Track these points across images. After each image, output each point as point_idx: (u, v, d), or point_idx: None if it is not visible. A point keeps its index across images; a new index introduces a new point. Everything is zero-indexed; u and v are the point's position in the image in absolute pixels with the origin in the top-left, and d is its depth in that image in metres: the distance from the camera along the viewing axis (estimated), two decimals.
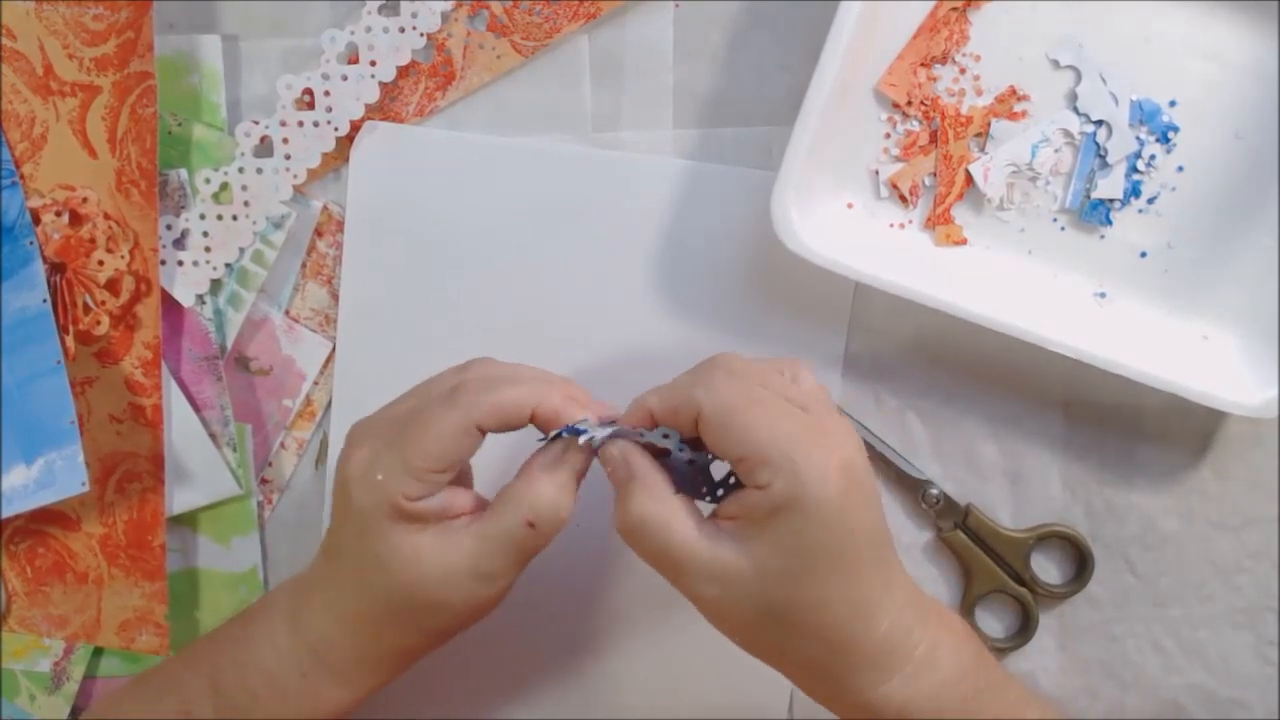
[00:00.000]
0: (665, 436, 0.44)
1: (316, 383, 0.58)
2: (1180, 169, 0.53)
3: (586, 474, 0.46)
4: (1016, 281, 0.54)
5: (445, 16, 0.55)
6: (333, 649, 0.46)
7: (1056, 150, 0.53)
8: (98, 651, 0.58)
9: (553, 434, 0.45)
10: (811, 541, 0.41)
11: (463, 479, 0.48)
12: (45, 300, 0.54)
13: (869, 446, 0.56)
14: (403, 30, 0.54)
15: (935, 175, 0.54)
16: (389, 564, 0.44)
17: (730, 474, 0.45)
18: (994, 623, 0.58)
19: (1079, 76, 0.53)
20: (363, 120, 0.56)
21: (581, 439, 0.44)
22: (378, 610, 0.45)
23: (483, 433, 0.44)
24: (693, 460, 0.45)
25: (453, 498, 0.45)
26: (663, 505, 0.43)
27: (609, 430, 0.45)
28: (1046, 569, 0.57)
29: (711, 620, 0.44)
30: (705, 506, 0.45)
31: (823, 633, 0.42)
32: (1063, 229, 0.54)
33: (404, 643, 0.46)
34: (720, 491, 0.46)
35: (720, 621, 0.44)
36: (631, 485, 0.44)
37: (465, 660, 0.58)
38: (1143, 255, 0.54)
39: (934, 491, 0.56)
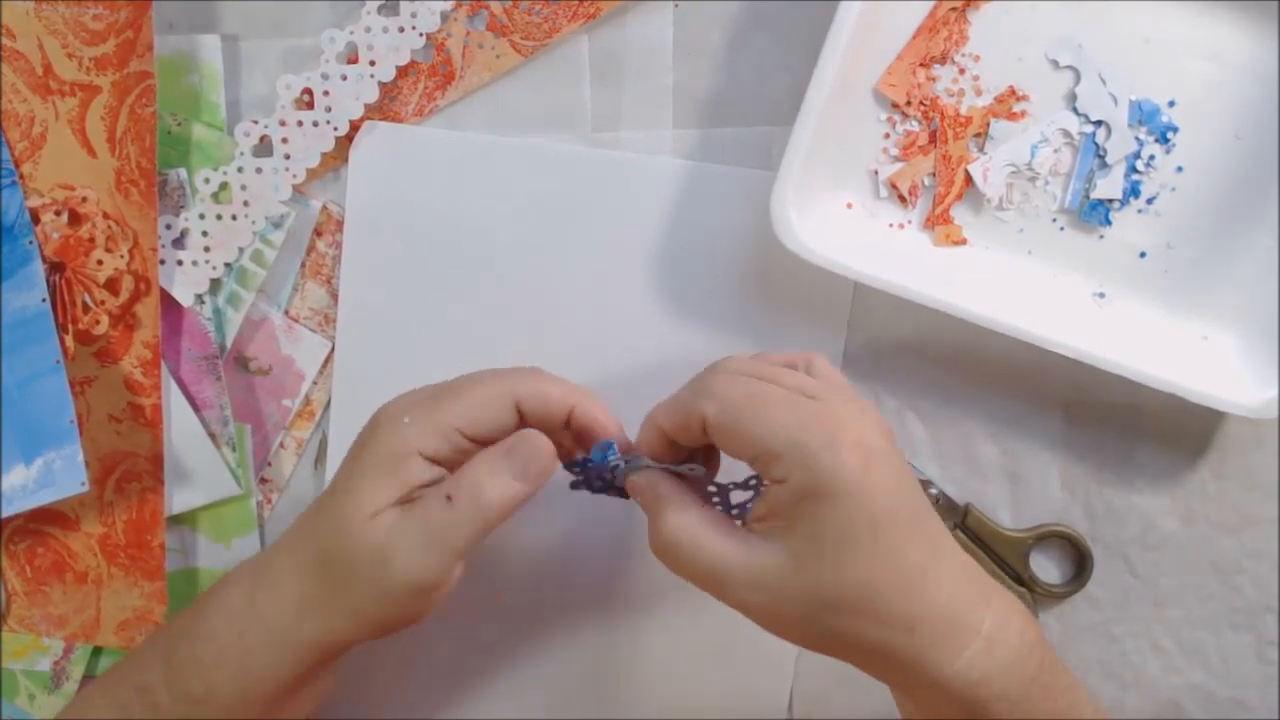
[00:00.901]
0: (691, 469, 0.45)
1: (316, 382, 0.58)
2: (1179, 169, 0.53)
3: (542, 483, 0.45)
4: (1016, 282, 0.54)
5: (445, 16, 0.55)
6: (277, 604, 0.45)
7: (1056, 150, 0.53)
8: (97, 651, 0.58)
9: (581, 458, 0.46)
10: (843, 523, 0.40)
11: None
12: (44, 300, 0.54)
13: None
14: (402, 30, 0.54)
15: (934, 175, 0.54)
16: (349, 516, 0.43)
17: (751, 486, 0.45)
18: None
19: (1078, 77, 0.53)
20: (362, 120, 0.56)
21: (611, 463, 0.45)
22: (318, 566, 0.44)
23: (520, 414, 0.44)
24: (716, 488, 0.45)
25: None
26: (693, 522, 0.43)
27: (642, 462, 0.45)
28: (1046, 569, 0.57)
29: (766, 627, 0.43)
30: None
31: (879, 613, 0.41)
32: (1062, 229, 0.54)
33: (333, 612, 0.44)
34: (748, 507, 0.46)
35: (774, 625, 0.43)
36: (659, 506, 0.44)
37: (463, 657, 0.58)
38: (1142, 255, 0.54)
39: (933, 491, 0.56)
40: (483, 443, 0.44)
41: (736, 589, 0.42)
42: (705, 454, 0.47)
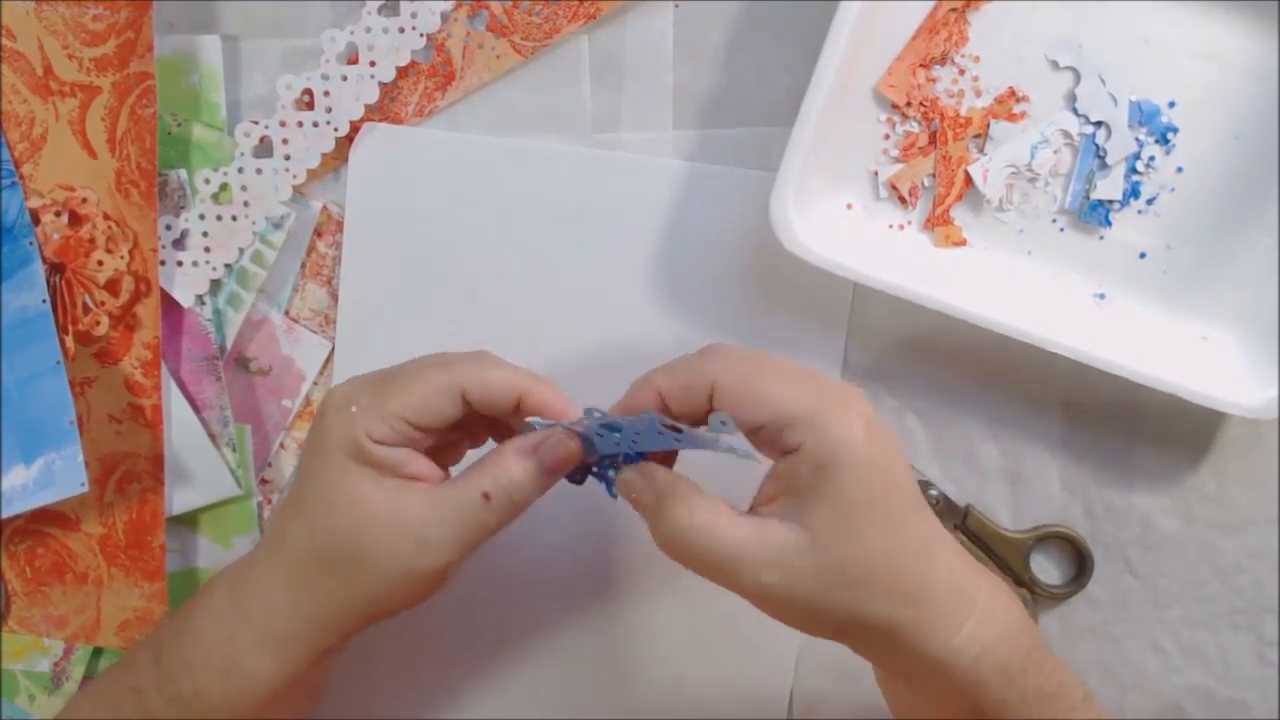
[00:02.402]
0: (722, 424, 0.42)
1: (316, 383, 0.58)
2: (1179, 170, 0.53)
3: (559, 477, 0.45)
4: (1016, 282, 0.54)
5: (445, 17, 0.55)
6: (258, 607, 0.45)
7: (1056, 151, 0.53)
8: (97, 652, 0.58)
9: (531, 419, 0.44)
10: (860, 492, 0.40)
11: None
12: (45, 300, 0.54)
13: None
14: (402, 30, 0.54)
15: (934, 176, 0.54)
16: (334, 501, 0.43)
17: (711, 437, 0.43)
18: None
19: (1078, 77, 0.53)
20: (362, 120, 0.56)
21: (594, 431, 0.44)
22: (314, 557, 0.44)
23: (466, 403, 0.44)
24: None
25: (414, 459, 0.44)
26: (700, 511, 0.42)
27: (603, 420, 0.44)
28: (1046, 569, 0.57)
29: (776, 610, 0.42)
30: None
31: (891, 584, 0.41)
32: (1062, 230, 0.54)
33: (329, 606, 0.44)
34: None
35: (785, 607, 0.42)
36: (663, 500, 0.43)
37: (463, 653, 0.58)
38: (1142, 256, 0.54)
39: (933, 492, 0.56)
40: (429, 430, 0.44)
41: (750, 570, 0.41)
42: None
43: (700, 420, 0.43)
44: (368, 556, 0.43)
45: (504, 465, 0.44)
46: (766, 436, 0.42)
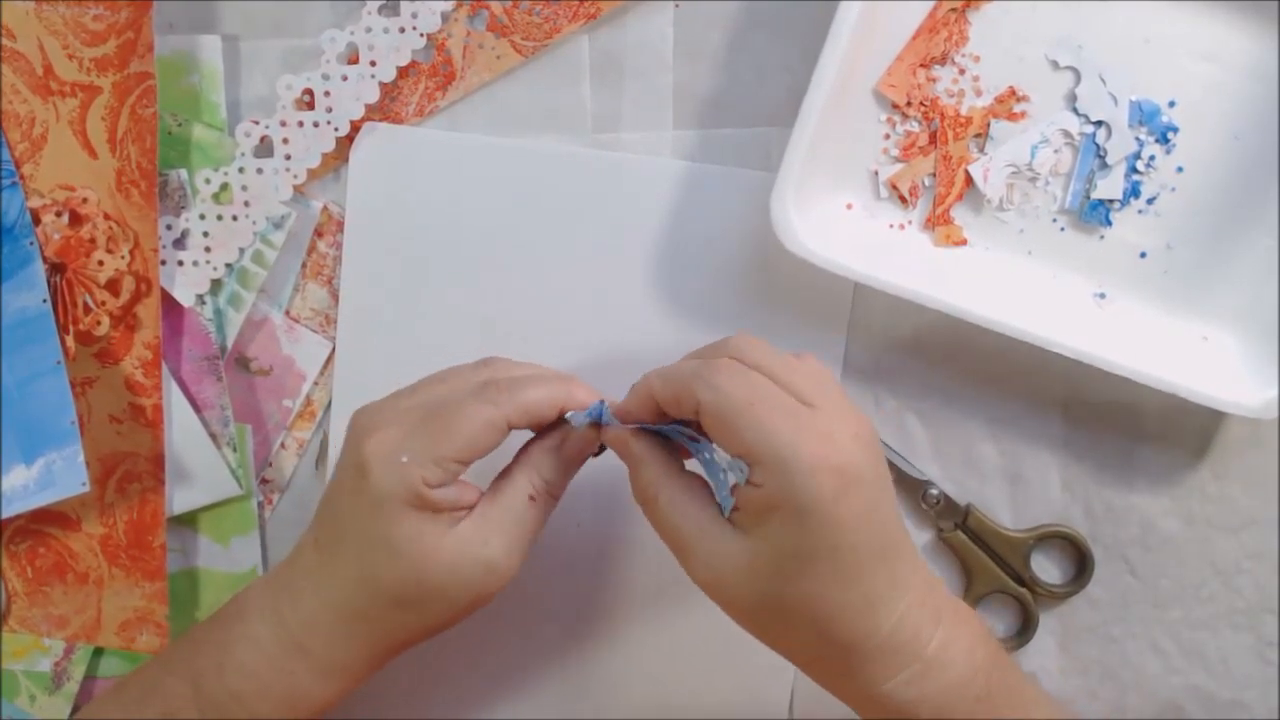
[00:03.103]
0: (690, 437, 0.45)
1: (317, 383, 0.58)
2: (1180, 170, 0.53)
3: (582, 465, 0.47)
4: (1016, 282, 0.54)
5: (445, 17, 0.55)
6: (319, 642, 0.46)
7: (1056, 151, 0.53)
8: (98, 652, 0.58)
9: (569, 415, 0.46)
10: (804, 543, 0.40)
11: None
12: (45, 300, 0.54)
13: None
14: (403, 30, 0.54)
15: (935, 176, 0.54)
16: (401, 549, 0.44)
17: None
18: (994, 623, 0.58)
19: (1078, 77, 0.53)
20: (363, 120, 0.56)
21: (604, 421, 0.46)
22: (376, 600, 0.45)
23: (509, 428, 0.45)
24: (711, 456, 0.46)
25: (464, 491, 0.45)
26: (671, 483, 0.44)
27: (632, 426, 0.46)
28: (1046, 569, 0.57)
29: (714, 600, 0.44)
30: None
31: (818, 628, 0.42)
32: (1062, 229, 0.54)
33: (397, 635, 0.46)
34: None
35: (721, 604, 0.44)
36: (640, 463, 0.45)
37: (463, 656, 0.58)
38: (1142, 256, 0.54)
39: (934, 492, 0.56)
40: (469, 464, 0.45)
41: (694, 559, 0.43)
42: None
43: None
44: (437, 594, 0.45)
45: (539, 466, 0.46)
46: (746, 462, 0.42)
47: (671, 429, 0.45)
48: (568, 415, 0.46)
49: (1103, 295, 0.54)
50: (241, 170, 0.56)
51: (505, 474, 0.47)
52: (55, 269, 0.55)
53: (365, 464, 0.44)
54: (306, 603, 0.46)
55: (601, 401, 0.46)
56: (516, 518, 0.45)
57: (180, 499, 0.57)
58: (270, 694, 0.46)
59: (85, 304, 0.55)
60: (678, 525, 0.43)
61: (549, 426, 0.47)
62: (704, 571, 0.43)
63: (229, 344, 0.57)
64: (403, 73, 0.55)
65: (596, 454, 0.48)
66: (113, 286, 0.55)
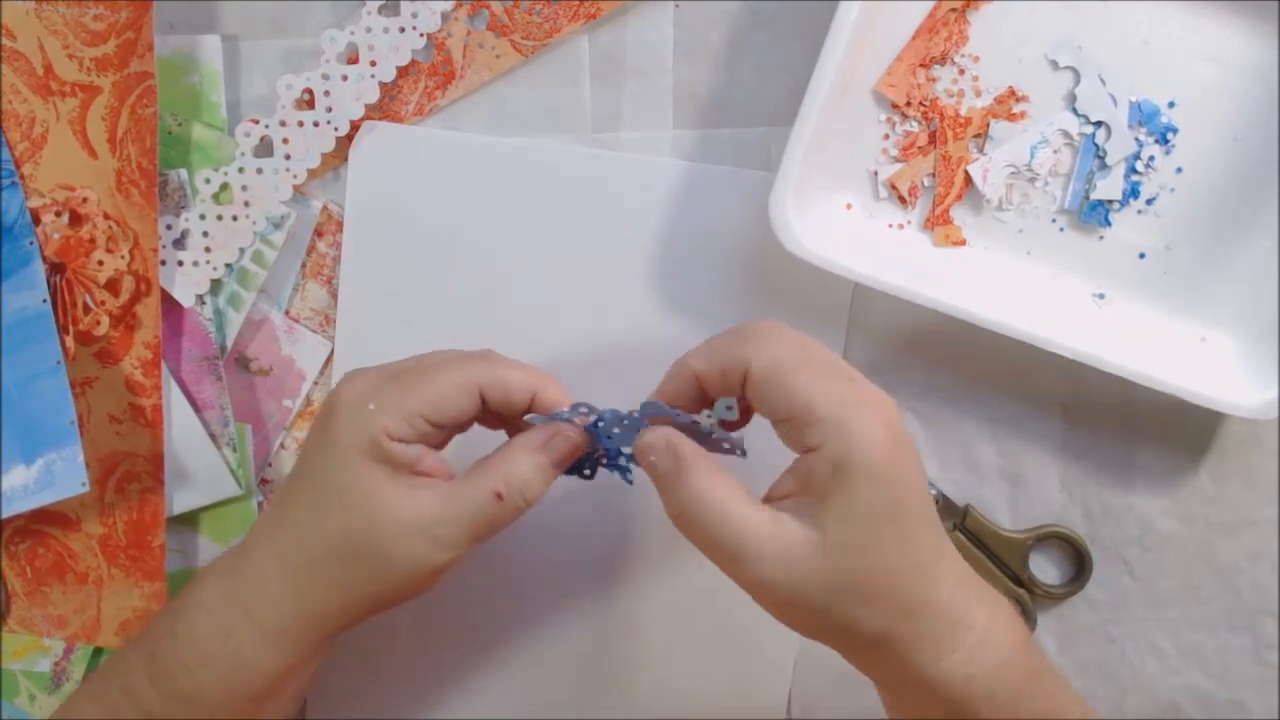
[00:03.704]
0: (695, 422, 0.44)
1: (316, 383, 0.58)
2: (1179, 170, 0.53)
3: (564, 468, 0.46)
4: (1015, 282, 0.54)
5: (445, 16, 0.55)
6: (261, 603, 0.45)
7: (1055, 151, 0.53)
8: (98, 652, 0.58)
9: (556, 415, 0.45)
10: (876, 503, 0.40)
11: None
12: (45, 300, 0.54)
13: None
14: (402, 30, 0.54)
15: (934, 176, 0.54)
16: (349, 496, 0.44)
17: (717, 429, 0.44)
18: None
19: (1078, 77, 0.53)
20: (362, 120, 0.56)
21: (586, 419, 0.44)
22: (322, 551, 0.44)
23: (483, 401, 0.44)
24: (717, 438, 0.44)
25: (427, 455, 0.45)
26: (717, 488, 0.42)
27: (625, 417, 0.44)
28: (1045, 570, 0.57)
29: (771, 606, 0.42)
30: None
31: (891, 598, 0.41)
32: (1061, 230, 0.54)
33: (340, 598, 0.45)
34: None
35: (784, 606, 0.42)
36: (681, 469, 0.42)
37: (461, 653, 0.59)
38: (1141, 256, 0.54)
39: (933, 492, 0.56)
40: (444, 426, 0.45)
41: (758, 564, 0.41)
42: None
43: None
44: (379, 551, 0.44)
45: (515, 463, 0.45)
46: (791, 430, 0.42)
47: (696, 416, 0.44)
48: (528, 416, 0.45)
49: (1102, 296, 0.54)
50: (241, 170, 0.56)
51: (480, 463, 0.46)
52: (55, 269, 0.55)
53: (333, 408, 0.45)
54: (253, 561, 0.46)
55: (583, 407, 0.44)
56: (478, 509, 0.44)
57: (180, 499, 0.57)
58: (213, 661, 0.45)
59: (85, 304, 0.55)
60: (736, 527, 0.41)
61: (538, 428, 0.46)
62: (769, 570, 0.41)
63: (229, 344, 0.57)
64: (402, 72, 0.55)
65: (589, 476, 0.47)
66: (112, 286, 0.55)
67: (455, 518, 0.44)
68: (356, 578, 0.45)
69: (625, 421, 0.45)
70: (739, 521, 0.41)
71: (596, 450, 0.47)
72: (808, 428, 0.41)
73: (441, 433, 0.45)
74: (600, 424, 0.45)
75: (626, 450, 0.46)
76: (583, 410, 0.45)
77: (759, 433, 0.45)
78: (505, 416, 0.48)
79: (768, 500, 0.43)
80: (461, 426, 0.46)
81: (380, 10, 0.54)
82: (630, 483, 0.47)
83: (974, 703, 0.42)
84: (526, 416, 0.45)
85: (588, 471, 0.48)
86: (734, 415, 0.44)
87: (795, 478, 0.42)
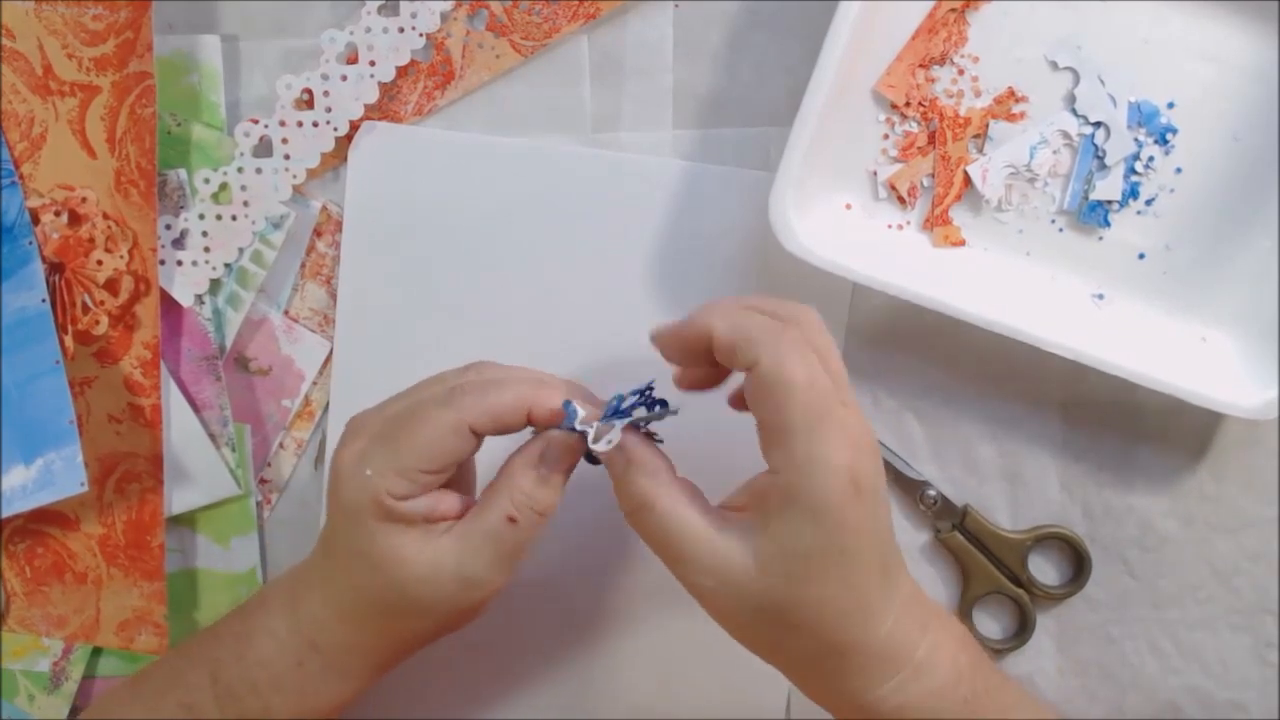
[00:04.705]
0: (665, 411, 0.44)
1: (315, 383, 0.58)
2: (1179, 171, 0.53)
3: (574, 469, 0.46)
4: (1015, 283, 0.54)
5: (444, 16, 0.55)
6: (330, 640, 0.46)
7: (1055, 151, 0.53)
8: (97, 651, 0.58)
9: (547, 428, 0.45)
10: (816, 543, 0.40)
11: (463, 484, 0.48)
12: (44, 300, 0.54)
13: None
14: (402, 30, 0.54)
15: (933, 176, 0.54)
16: (375, 562, 0.44)
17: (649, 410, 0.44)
18: (992, 624, 0.58)
19: (1077, 78, 0.53)
20: (362, 120, 0.56)
21: (578, 425, 0.44)
22: (370, 606, 0.45)
23: (476, 436, 0.44)
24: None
25: (439, 501, 0.45)
26: (666, 490, 0.43)
27: (609, 417, 0.44)
28: (1044, 570, 0.57)
29: (707, 611, 0.43)
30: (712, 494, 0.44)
31: (820, 633, 0.42)
32: (1061, 230, 0.54)
33: (399, 637, 0.47)
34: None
35: (716, 614, 0.43)
36: (630, 468, 0.43)
37: (460, 659, 0.58)
38: (1141, 257, 0.54)
39: (932, 493, 0.56)
40: (443, 471, 0.44)
41: (692, 568, 0.42)
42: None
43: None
44: (415, 604, 0.45)
45: (517, 483, 0.45)
46: (766, 437, 0.42)
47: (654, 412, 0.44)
48: (552, 433, 0.45)
49: (1101, 296, 0.54)
50: (240, 170, 0.56)
51: (489, 489, 0.45)
52: (54, 269, 0.55)
53: (336, 474, 0.45)
54: (315, 601, 0.47)
55: (569, 402, 0.44)
56: (495, 537, 0.44)
57: (179, 499, 0.57)
58: (283, 686, 0.46)
59: (84, 304, 0.55)
60: (678, 531, 0.42)
61: (533, 440, 0.45)
62: (705, 578, 0.42)
63: (228, 344, 0.57)
64: (402, 72, 0.55)
65: (596, 462, 0.46)
66: (111, 286, 0.55)
67: (477, 553, 0.44)
68: (404, 626, 0.46)
69: (632, 395, 0.45)
70: (681, 526, 0.42)
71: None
72: (773, 449, 0.41)
73: (446, 474, 0.45)
74: (618, 403, 0.45)
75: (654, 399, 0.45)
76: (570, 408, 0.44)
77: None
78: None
79: (724, 507, 0.44)
80: (466, 459, 0.46)
81: (380, 10, 0.54)
82: (675, 412, 0.45)
83: None
84: (551, 431, 0.45)
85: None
86: (672, 411, 0.44)
87: (750, 494, 0.43)
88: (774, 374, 0.41)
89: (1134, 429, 0.56)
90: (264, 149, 0.56)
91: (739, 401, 0.47)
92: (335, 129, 0.55)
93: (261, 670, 0.47)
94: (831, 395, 0.41)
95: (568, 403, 0.44)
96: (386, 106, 0.56)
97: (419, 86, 0.56)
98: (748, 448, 0.43)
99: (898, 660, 0.42)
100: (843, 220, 0.54)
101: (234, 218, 0.56)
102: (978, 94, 0.53)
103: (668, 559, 0.43)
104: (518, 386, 0.44)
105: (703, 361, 0.44)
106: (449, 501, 0.45)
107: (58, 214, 0.54)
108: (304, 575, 0.48)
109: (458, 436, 0.43)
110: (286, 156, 0.56)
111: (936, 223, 0.54)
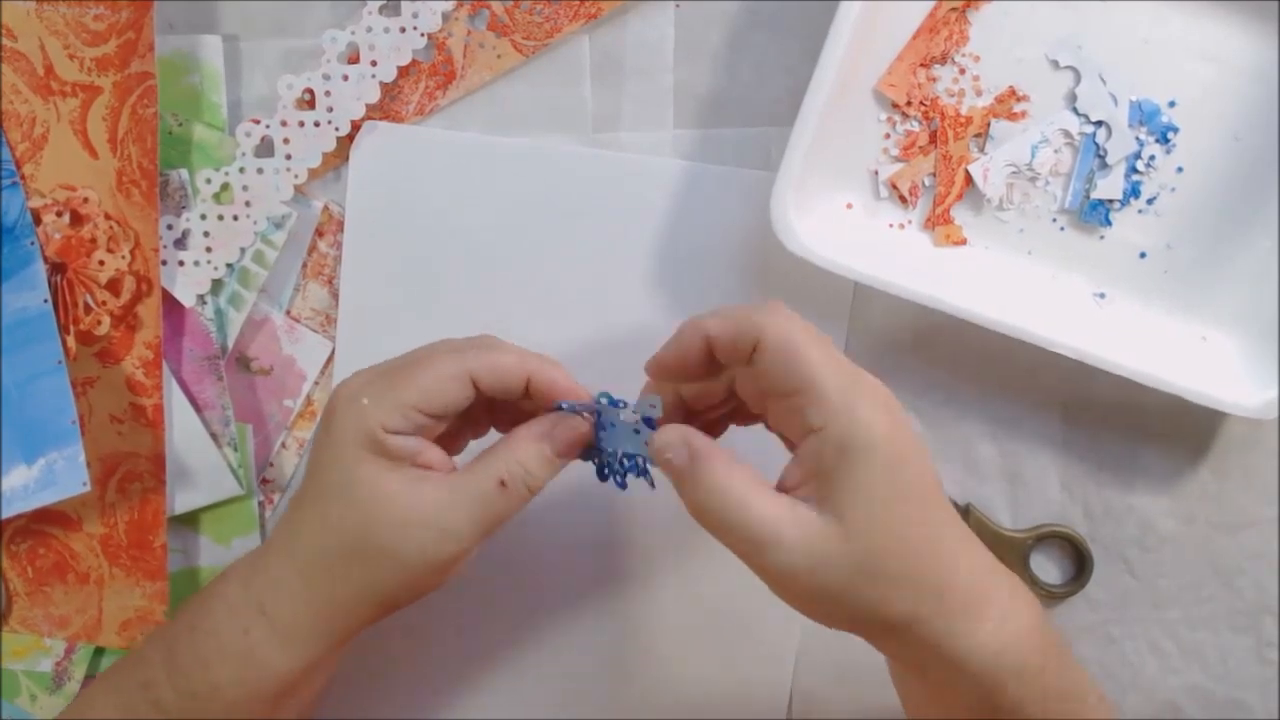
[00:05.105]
0: (652, 406, 0.44)
1: (317, 383, 0.58)
2: (1180, 170, 0.53)
3: (571, 458, 0.46)
4: (1016, 282, 0.54)
5: (446, 16, 0.55)
6: (277, 600, 0.45)
7: (1056, 151, 0.53)
8: (99, 651, 0.58)
9: (559, 404, 0.45)
10: (885, 483, 0.40)
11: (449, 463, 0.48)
12: (46, 300, 0.54)
13: None
14: (403, 30, 0.54)
15: (935, 175, 0.54)
16: (352, 492, 0.44)
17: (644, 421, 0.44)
18: None
19: (1078, 77, 0.53)
20: (363, 120, 0.56)
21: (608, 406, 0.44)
22: (336, 551, 0.44)
23: (477, 389, 0.44)
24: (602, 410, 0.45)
25: (427, 449, 0.45)
26: (735, 478, 0.41)
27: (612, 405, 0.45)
28: (1045, 569, 0.57)
29: (792, 596, 0.42)
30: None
31: (916, 577, 0.40)
32: (1062, 229, 0.54)
33: (351, 595, 0.45)
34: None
35: (808, 595, 0.41)
36: (698, 462, 0.42)
37: (460, 657, 0.59)
38: (1142, 256, 0.54)
39: None
40: (441, 418, 0.45)
41: (780, 552, 0.40)
42: (717, 421, 0.47)
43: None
44: (386, 546, 0.44)
45: (518, 451, 0.45)
46: (793, 407, 0.41)
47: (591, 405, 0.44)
48: (562, 404, 0.45)
49: (1102, 295, 0.54)
50: (242, 170, 0.56)
51: (484, 453, 0.45)
52: (56, 269, 0.55)
53: (332, 406, 0.45)
54: (272, 559, 0.46)
55: (605, 393, 0.44)
56: (481, 498, 0.44)
57: (181, 499, 0.57)
58: (228, 656, 0.45)
59: (86, 304, 0.55)
60: (759, 519, 0.40)
61: (544, 416, 0.46)
62: (798, 558, 0.40)
63: (230, 344, 0.57)
64: (403, 72, 0.55)
65: (595, 459, 0.47)
66: (113, 286, 0.55)
67: (460, 508, 0.44)
68: (365, 574, 0.44)
69: (624, 424, 0.45)
70: (759, 510, 0.40)
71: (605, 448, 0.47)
72: (811, 406, 0.40)
73: (440, 424, 0.45)
74: (611, 428, 0.45)
75: (631, 451, 0.46)
76: (603, 400, 0.45)
77: (755, 433, 0.45)
78: (501, 415, 0.48)
79: (780, 490, 0.43)
80: (455, 418, 0.46)
81: (381, 10, 0.54)
82: (624, 489, 0.46)
83: (1003, 678, 0.41)
84: (558, 404, 0.45)
85: (595, 462, 0.47)
86: (657, 413, 0.44)
87: (801, 466, 0.42)
88: (784, 338, 0.41)
89: (1135, 428, 0.56)
90: (265, 149, 0.56)
91: (745, 416, 0.47)
92: (337, 129, 0.55)
93: (210, 641, 0.45)
94: (836, 351, 0.42)
95: (604, 393, 0.44)
96: (388, 106, 0.56)
97: (420, 86, 0.56)
98: (746, 447, 0.43)
99: (986, 600, 0.41)
100: (844, 220, 0.54)
101: (236, 218, 0.56)
102: (979, 93, 0.54)
103: (745, 548, 0.41)
104: (523, 354, 0.45)
105: (701, 373, 0.45)
106: (436, 454, 0.45)
107: (59, 214, 0.55)
108: (271, 539, 0.47)
109: (458, 382, 0.44)
110: (288, 156, 0.56)
111: (938, 222, 0.54)
